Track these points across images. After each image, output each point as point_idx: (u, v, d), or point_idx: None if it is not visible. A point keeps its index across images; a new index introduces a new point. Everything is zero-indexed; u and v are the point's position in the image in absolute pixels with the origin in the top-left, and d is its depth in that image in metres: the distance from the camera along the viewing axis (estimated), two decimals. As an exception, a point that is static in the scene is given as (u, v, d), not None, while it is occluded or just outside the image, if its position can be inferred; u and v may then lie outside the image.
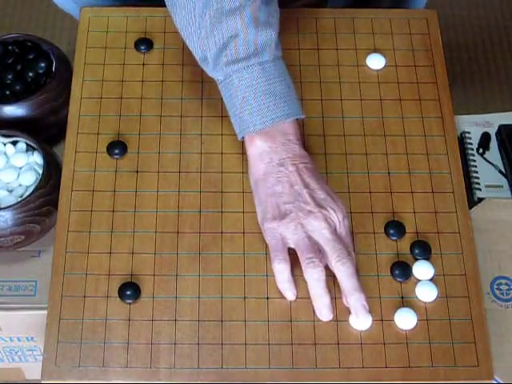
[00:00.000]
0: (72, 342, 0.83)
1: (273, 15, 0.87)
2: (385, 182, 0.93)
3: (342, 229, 0.85)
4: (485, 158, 1.11)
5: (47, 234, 1.00)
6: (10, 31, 1.16)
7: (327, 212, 0.84)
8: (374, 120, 0.97)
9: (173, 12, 0.89)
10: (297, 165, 0.86)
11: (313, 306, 0.85)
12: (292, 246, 0.85)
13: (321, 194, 0.85)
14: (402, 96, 0.99)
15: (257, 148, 0.87)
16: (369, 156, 0.94)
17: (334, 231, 0.84)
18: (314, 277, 0.83)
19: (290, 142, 0.87)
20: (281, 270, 0.85)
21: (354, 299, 0.83)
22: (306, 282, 0.85)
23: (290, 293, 0.85)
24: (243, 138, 0.88)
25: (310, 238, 0.84)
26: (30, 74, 1.09)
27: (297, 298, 0.86)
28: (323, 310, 0.84)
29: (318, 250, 0.84)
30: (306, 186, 0.85)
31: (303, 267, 0.83)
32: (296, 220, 0.84)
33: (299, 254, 0.84)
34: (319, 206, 0.84)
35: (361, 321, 0.84)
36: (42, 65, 1.10)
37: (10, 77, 1.09)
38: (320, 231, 0.84)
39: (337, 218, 0.85)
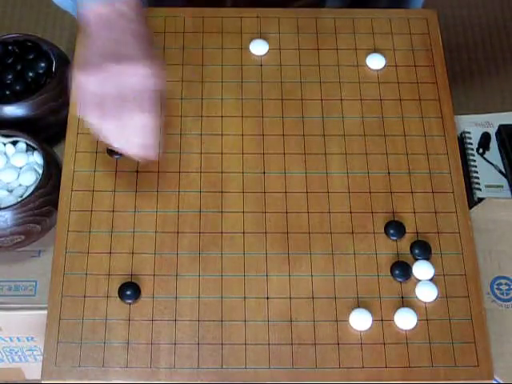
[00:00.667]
0: (72, 342, 0.83)
1: None
2: (385, 182, 0.93)
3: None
4: (485, 158, 1.11)
5: (47, 234, 1.00)
6: (9, 31, 1.16)
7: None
8: (374, 120, 0.97)
9: None
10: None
11: (313, 304, 0.85)
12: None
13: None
14: (402, 96, 0.99)
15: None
16: (369, 156, 0.94)
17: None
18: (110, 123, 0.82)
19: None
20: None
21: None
22: (304, 280, 0.85)
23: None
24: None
25: (105, 90, 0.81)
26: (30, 74, 1.09)
27: (297, 298, 0.86)
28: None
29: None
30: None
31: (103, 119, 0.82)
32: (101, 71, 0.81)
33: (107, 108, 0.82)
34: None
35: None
36: (42, 65, 1.10)
37: (10, 77, 1.09)
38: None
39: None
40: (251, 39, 1.02)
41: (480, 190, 1.07)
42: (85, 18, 0.84)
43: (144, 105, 0.82)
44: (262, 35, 1.03)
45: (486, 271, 0.96)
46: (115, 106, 0.82)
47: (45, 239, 1.00)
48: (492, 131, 1.14)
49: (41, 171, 0.99)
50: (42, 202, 0.97)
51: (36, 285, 1.00)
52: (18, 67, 1.10)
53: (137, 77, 0.82)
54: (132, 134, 0.83)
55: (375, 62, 1.01)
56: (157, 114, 0.83)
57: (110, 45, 0.83)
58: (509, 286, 0.96)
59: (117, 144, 0.84)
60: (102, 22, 0.83)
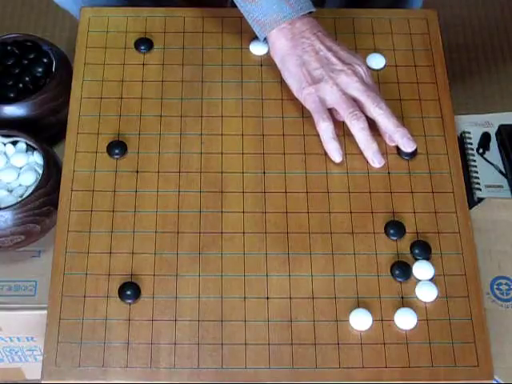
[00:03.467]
0: (72, 342, 0.83)
1: None
2: (385, 182, 0.93)
3: (369, 78, 0.93)
4: (485, 158, 1.11)
5: (47, 234, 1.00)
6: (9, 31, 1.16)
7: (354, 67, 0.92)
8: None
9: None
10: (316, 33, 0.94)
11: (313, 304, 0.85)
12: (332, 105, 0.92)
13: (344, 54, 0.93)
14: (402, 96, 0.99)
15: (277, 32, 0.94)
16: (369, 156, 0.94)
17: (364, 82, 0.92)
18: (360, 127, 0.91)
19: (304, 17, 0.95)
20: (326, 128, 0.91)
21: (400, 135, 0.92)
22: (304, 280, 0.85)
23: (337, 153, 0.92)
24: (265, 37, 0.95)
25: (345, 93, 0.92)
26: (30, 75, 1.09)
27: (297, 298, 0.86)
28: (375, 157, 0.92)
29: (356, 104, 0.92)
30: (329, 49, 0.93)
31: (348, 122, 0.91)
32: (330, 81, 0.91)
33: (341, 111, 0.91)
34: (346, 63, 0.92)
35: (410, 152, 0.93)
36: (42, 65, 1.10)
37: (9, 77, 1.09)
38: (353, 85, 0.91)
39: (362, 70, 0.93)
40: (251, 39, 1.02)
41: (480, 189, 1.08)
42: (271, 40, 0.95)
43: (377, 99, 0.92)
44: (262, 35, 1.03)
45: (486, 271, 0.96)
46: (351, 105, 0.91)
47: (45, 239, 1.01)
48: (492, 131, 1.14)
49: (41, 171, 0.99)
50: (42, 202, 0.97)
51: (36, 285, 1.00)
52: (18, 67, 1.10)
53: (357, 77, 0.92)
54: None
55: (375, 61, 1.01)
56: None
57: (310, 58, 0.93)
58: (509, 286, 0.96)
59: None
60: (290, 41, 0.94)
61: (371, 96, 0.92)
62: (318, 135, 0.95)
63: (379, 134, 0.94)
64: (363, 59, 0.96)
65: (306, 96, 0.93)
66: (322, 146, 0.95)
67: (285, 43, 0.94)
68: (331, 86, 0.91)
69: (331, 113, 0.93)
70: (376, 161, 0.92)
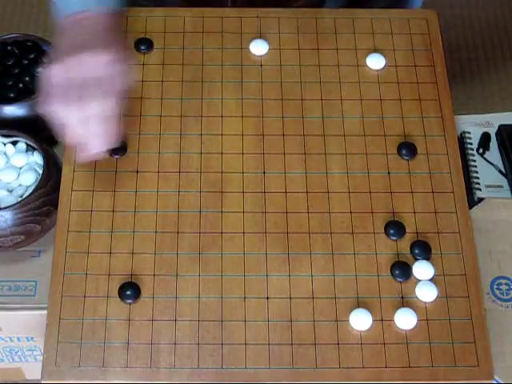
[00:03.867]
0: (72, 342, 0.83)
1: None
2: (385, 182, 0.93)
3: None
4: (485, 158, 1.11)
5: (47, 234, 1.00)
6: (9, 31, 1.16)
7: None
8: (374, 120, 0.97)
9: None
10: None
11: (313, 304, 0.85)
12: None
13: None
14: (402, 96, 0.99)
15: None
16: (369, 156, 0.94)
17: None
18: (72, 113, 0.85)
19: None
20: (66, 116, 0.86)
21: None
22: (304, 280, 0.85)
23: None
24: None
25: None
26: (30, 75, 1.09)
27: (297, 298, 0.86)
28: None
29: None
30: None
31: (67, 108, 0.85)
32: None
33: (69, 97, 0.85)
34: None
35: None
36: (42, 65, 1.09)
37: (9, 77, 1.09)
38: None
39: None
40: (251, 39, 1.02)
41: (480, 189, 1.07)
42: (60, 23, 0.90)
43: (106, 90, 0.86)
44: (262, 35, 1.03)
45: (486, 271, 0.96)
46: (77, 95, 0.85)
47: (45, 239, 1.00)
48: (492, 131, 1.14)
49: (41, 171, 0.99)
50: (42, 202, 0.96)
51: (36, 285, 1.00)
52: (18, 67, 1.10)
53: (97, 64, 0.86)
54: (93, 122, 0.85)
55: (375, 61, 1.01)
56: (119, 99, 0.86)
57: (74, 41, 0.88)
58: (509, 286, 0.96)
59: (77, 134, 0.86)
60: (72, 25, 0.90)
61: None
62: (317, 135, 0.95)
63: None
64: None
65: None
66: (322, 145, 0.95)
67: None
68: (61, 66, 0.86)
69: None
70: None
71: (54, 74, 0.87)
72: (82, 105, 0.85)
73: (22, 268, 1.01)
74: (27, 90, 1.08)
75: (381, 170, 0.94)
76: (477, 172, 1.09)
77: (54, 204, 0.94)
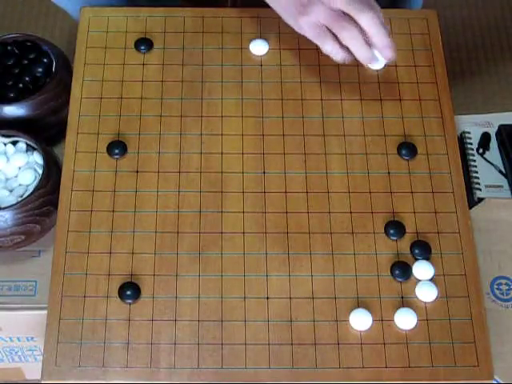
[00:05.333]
0: (72, 341, 0.83)
1: None
2: (385, 182, 0.93)
3: None
4: (485, 158, 1.11)
5: (47, 234, 1.00)
6: (9, 31, 1.16)
7: None
8: (374, 120, 0.97)
9: None
10: None
11: (313, 304, 0.85)
12: (325, 24, 0.90)
13: None
14: (402, 96, 0.99)
15: None
16: (369, 156, 0.94)
17: None
18: (348, 36, 0.90)
19: None
20: (331, 49, 0.91)
21: (380, 38, 0.90)
22: (304, 280, 0.85)
23: (348, 58, 0.91)
24: None
25: (333, 10, 0.90)
26: (30, 75, 1.09)
27: (297, 298, 0.86)
28: (369, 60, 0.92)
29: (346, 17, 0.90)
30: None
31: (339, 35, 0.90)
32: (318, 2, 0.90)
33: (332, 28, 0.90)
34: None
35: (381, 62, 0.93)
36: (42, 65, 1.10)
37: (9, 77, 1.09)
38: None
39: None
40: (251, 39, 1.02)
41: (480, 189, 1.07)
42: None
43: (360, 7, 0.90)
44: (262, 35, 1.03)
45: (486, 271, 0.96)
46: (341, 19, 0.90)
47: (45, 239, 1.00)
48: (492, 131, 1.14)
49: (41, 171, 0.99)
50: (42, 202, 0.97)
51: (36, 285, 1.00)
52: (18, 67, 1.10)
53: None
54: (373, 34, 0.90)
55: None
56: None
57: None
58: (509, 286, 0.96)
59: (362, 52, 0.91)
60: None
61: (354, 5, 0.90)
62: (317, 135, 0.96)
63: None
64: None
65: (302, 25, 0.93)
66: (322, 145, 0.95)
67: None
68: (318, 6, 0.90)
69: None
70: (370, 62, 0.92)
71: (319, 12, 0.90)
72: (350, 24, 0.90)
73: (22, 268, 1.01)
74: (27, 90, 1.08)
75: (381, 170, 0.94)
76: (477, 172, 1.09)
77: (54, 204, 0.94)
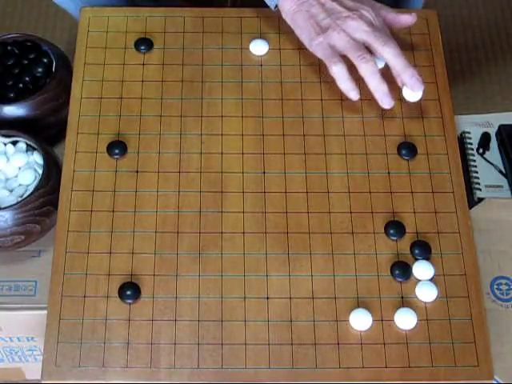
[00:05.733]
0: (72, 342, 0.83)
1: None
2: (385, 182, 0.93)
3: (377, 21, 0.94)
4: (485, 158, 1.11)
5: (47, 234, 1.00)
6: (9, 31, 1.16)
7: (360, 12, 0.94)
8: (374, 120, 0.97)
9: None
10: None
11: (313, 304, 0.85)
12: (341, 51, 0.93)
13: (349, 2, 0.95)
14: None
15: None
16: (369, 156, 0.95)
17: (372, 25, 0.93)
18: (369, 70, 0.92)
19: None
20: (338, 71, 0.93)
21: (408, 75, 0.92)
22: (304, 280, 0.85)
23: (353, 92, 0.93)
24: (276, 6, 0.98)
25: (353, 38, 0.93)
26: (30, 75, 1.09)
27: (297, 298, 0.86)
28: (384, 99, 0.92)
29: (365, 48, 0.93)
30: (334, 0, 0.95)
31: (358, 65, 0.92)
32: (337, 28, 0.93)
33: (350, 55, 0.92)
34: (351, 10, 0.94)
35: (417, 94, 0.94)
36: (42, 65, 1.10)
37: (9, 77, 1.09)
38: (360, 28, 0.93)
39: (370, 15, 0.94)
40: (251, 39, 1.02)
41: (480, 189, 1.07)
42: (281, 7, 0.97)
43: (385, 39, 0.92)
44: (262, 35, 1.03)
45: (486, 271, 0.96)
46: (363, 50, 0.92)
47: (45, 239, 1.00)
48: (492, 131, 1.14)
49: (41, 171, 0.99)
50: (42, 202, 0.97)
51: (36, 285, 1.00)
52: (18, 67, 1.10)
53: (364, 20, 0.93)
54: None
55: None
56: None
57: (313, 13, 0.95)
58: (509, 286, 0.96)
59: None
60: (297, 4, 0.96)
61: (378, 36, 0.92)
62: (318, 135, 0.96)
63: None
64: (371, 4, 0.96)
65: (316, 46, 0.94)
66: (322, 145, 0.95)
67: (292, 4, 0.96)
68: (338, 32, 0.93)
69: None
70: (385, 102, 0.93)
71: (338, 38, 0.93)
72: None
73: (22, 268, 1.01)
74: (27, 90, 1.08)
75: (381, 170, 0.94)
76: (477, 172, 1.09)
77: (54, 204, 0.94)
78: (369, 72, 0.92)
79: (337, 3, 0.95)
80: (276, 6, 0.98)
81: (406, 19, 0.97)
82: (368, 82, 0.93)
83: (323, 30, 0.94)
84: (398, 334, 0.84)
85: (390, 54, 0.92)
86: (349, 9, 0.94)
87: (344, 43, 0.93)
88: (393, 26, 0.97)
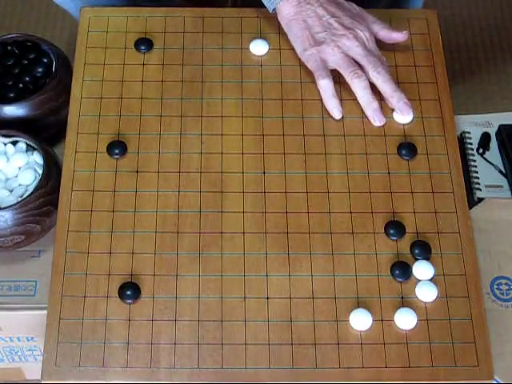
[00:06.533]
0: (72, 342, 0.83)
1: None
2: (385, 182, 0.93)
3: (371, 44, 0.97)
4: (485, 158, 1.11)
5: (47, 234, 1.00)
6: (10, 31, 1.16)
7: (355, 32, 0.96)
8: (374, 120, 0.97)
9: None
10: (320, 0, 0.98)
11: (313, 304, 0.85)
12: (333, 66, 0.96)
13: (346, 19, 0.97)
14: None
15: (284, 1, 0.98)
16: (369, 156, 0.94)
17: (365, 47, 0.96)
18: (360, 85, 0.94)
19: None
20: (325, 86, 0.95)
21: (396, 99, 0.95)
22: (304, 280, 0.85)
23: (336, 110, 0.95)
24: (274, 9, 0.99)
25: (347, 55, 0.95)
26: (30, 75, 1.09)
27: (297, 298, 0.86)
28: (376, 116, 0.95)
29: (357, 64, 0.95)
30: (332, 15, 0.97)
31: (349, 81, 0.95)
32: (332, 43, 0.95)
33: (342, 71, 0.94)
34: (348, 28, 0.96)
35: (406, 117, 0.96)
36: (42, 65, 1.10)
37: (9, 77, 1.09)
38: (354, 49, 0.95)
39: (364, 36, 0.96)
40: (251, 39, 1.02)
41: (480, 189, 1.07)
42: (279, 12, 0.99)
43: (376, 64, 0.95)
44: (261, 35, 1.03)
45: (486, 271, 0.96)
46: (356, 67, 0.95)
47: (45, 239, 1.00)
48: (492, 131, 1.14)
49: (41, 171, 0.99)
50: (42, 202, 0.97)
51: (36, 285, 1.00)
52: (18, 67, 1.10)
53: (359, 41, 0.95)
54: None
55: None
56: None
57: (312, 23, 0.96)
58: (509, 286, 0.96)
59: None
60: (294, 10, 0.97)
61: (370, 60, 0.95)
62: (318, 135, 0.96)
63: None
64: (368, 24, 0.98)
65: (308, 57, 0.96)
66: (322, 145, 0.95)
67: (291, 9, 0.98)
68: (332, 48, 0.95)
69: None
70: (377, 119, 0.95)
71: (332, 54, 0.95)
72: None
73: (22, 268, 1.01)
74: (27, 90, 1.08)
75: (381, 170, 0.94)
76: (477, 172, 1.09)
77: (54, 204, 0.94)
78: (360, 87, 0.94)
79: (334, 19, 0.96)
80: (274, 9, 0.99)
81: (397, 37, 0.99)
82: (359, 98, 0.95)
83: (317, 44, 0.96)
84: (398, 334, 0.84)
85: (379, 80, 0.95)
86: (345, 27, 0.96)
87: (337, 59, 0.95)
88: (385, 41, 0.99)
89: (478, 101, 1.38)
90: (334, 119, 0.95)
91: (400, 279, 0.87)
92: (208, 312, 0.85)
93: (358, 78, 0.94)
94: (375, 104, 0.95)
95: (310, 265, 0.88)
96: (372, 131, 0.96)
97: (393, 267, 0.88)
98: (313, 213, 0.91)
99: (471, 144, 1.12)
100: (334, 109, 0.95)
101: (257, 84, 0.99)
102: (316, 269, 0.87)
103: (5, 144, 1.03)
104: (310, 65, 0.97)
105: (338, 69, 0.95)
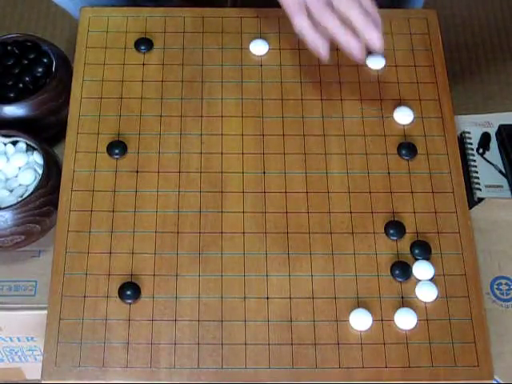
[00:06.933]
0: (72, 342, 0.83)
1: None
2: (385, 182, 0.93)
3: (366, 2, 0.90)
4: (485, 158, 1.11)
5: (47, 234, 1.00)
6: (10, 31, 1.16)
7: None
8: (374, 120, 0.97)
9: None
10: None
11: (313, 304, 0.85)
12: (307, 6, 0.88)
13: None
14: (401, 96, 0.99)
15: None
16: (369, 156, 0.95)
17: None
18: (329, 18, 0.88)
19: None
20: (300, 24, 0.89)
21: (361, 22, 0.88)
22: (304, 280, 0.85)
23: (323, 47, 0.89)
24: None
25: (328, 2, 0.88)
26: (30, 75, 1.09)
27: (297, 298, 0.86)
28: (351, 42, 0.88)
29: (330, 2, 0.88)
30: None
31: (319, 17, 0.88)
32: None
33: (312, 8, 0.88)
34: None
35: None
36: (42, 65, 1.10)
37: (9, 77, 1.09)
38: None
39: None
40: (251, 39, 1.02)
41: (480, 189, 1.07)
42: None
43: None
44: (262, 35, 1.03)
45: (486, 271, 0.96)
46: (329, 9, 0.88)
47: (45, 239, 1.00)
48: (492, 131, 1.14)
49: (41, 171, 0.99)
50: (42, 201, 0.96)
51: (36, 285, 1.00)
52: (18, 67, 1.10)
53: None
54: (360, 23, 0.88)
55: (375, 62, 1.01)
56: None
57: None
58: (509, 286, 0.96)
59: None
60: None
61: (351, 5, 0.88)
62: (318, 135, 0.96)
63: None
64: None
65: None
66: (322, 145, 0.95)
67: None
68: None
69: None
70: (352, 45, 0.88)
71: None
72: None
73: (22, 268, 1.01)
74: (27, 90, 1.08)
75: (381, 170, 0.94)
76: (477, 172, 1.09)
77: (54, 204, 0.94)
78: (329, 20, 0.88)
79: None
80: None
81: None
82: (331, 29, 0.88)
83: None
84: (398, 334, 0.84)
85: (350, 10, 0.88)
86: None
87: (311, 1, 0.89)
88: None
89: (478, 101, 1.38)
90: (332, 118, 0.94)
91: (400, 279, 0.87)
92: (208, 312, 0.85)
93: (326, 12, 0.88)
94: (348, 32, 0.88)
95: (309, 265, 0.88)
96: (372, 131, 0.96)
97: (393, 267, 0.88)
98: (313, 213, 0.91)
99: (471, 144, 1.12)
100: (320, 48, 0.89)
101: (257, 84, 0.99)
102: (316, 269, 0.87)
103: (5, 144, 1.03)
104: (288, 9, 0.91)
105: (310, 6, 0.89)
